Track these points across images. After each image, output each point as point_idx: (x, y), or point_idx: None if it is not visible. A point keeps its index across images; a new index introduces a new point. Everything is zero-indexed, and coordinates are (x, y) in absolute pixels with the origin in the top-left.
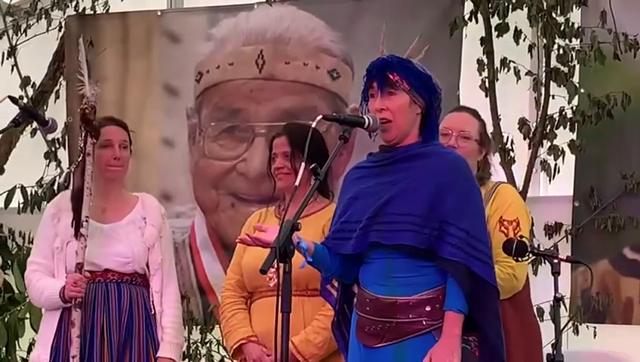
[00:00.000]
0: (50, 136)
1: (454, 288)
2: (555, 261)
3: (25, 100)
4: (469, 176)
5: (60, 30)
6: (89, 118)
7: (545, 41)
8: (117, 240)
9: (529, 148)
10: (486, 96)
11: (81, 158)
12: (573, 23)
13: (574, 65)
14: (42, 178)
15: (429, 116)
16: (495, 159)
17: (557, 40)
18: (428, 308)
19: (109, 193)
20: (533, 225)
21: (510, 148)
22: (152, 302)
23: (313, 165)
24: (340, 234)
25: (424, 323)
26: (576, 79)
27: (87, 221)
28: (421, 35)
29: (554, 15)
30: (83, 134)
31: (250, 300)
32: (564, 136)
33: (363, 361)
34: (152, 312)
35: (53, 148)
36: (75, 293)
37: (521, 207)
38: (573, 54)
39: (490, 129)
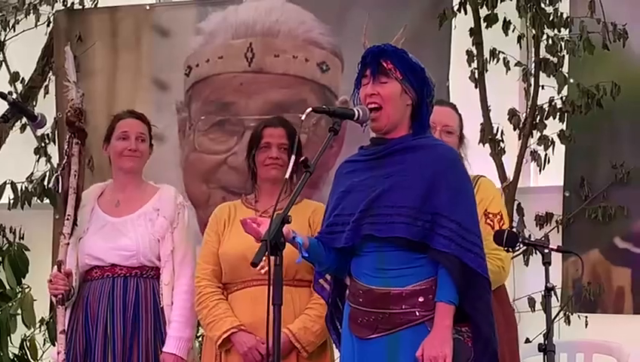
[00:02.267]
0: (39, 132)
1: (446, 279)
2: (546, 251)
3: (14, 96)
4: (461, 169)
5: (48, 25)
6: (72, 120)
7: (534, 31)
8: (123, 233)
9: (519, 139)
10: (476, 87)
11: (66, 160)
12: (562, 13)
13: (563, 55)
14: (32, 173)
15: (419, 109)
16: (485, 150)
17: (546, 30)
18: (421, 299)
19: (125, 186)
20: (512, 221)
21: (500, 138)
22: (161, 294)
23: (303, 158)
24: (334, 228)
25: (417, 313)
26: (565, 69)
27: (68, 220)
28: (405, 26)
29: (543, 5)
30: (67, 136)
31: (227, 291)
32: (553, 127)
33: (356, 353)
34: (161, 305)
35: (42, 144)
36: (53, 291)
37: (501, 201)
38: (563, 44)
39: (480, 120)
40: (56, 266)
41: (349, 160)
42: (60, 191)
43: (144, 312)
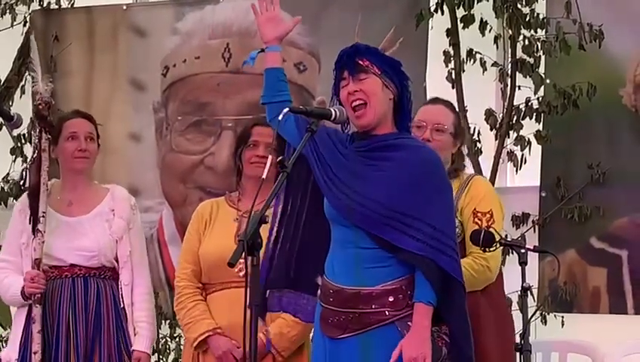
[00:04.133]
0: (15, 132)
1: (423, 281)
2: (523, 251)
3: None
4: (440, 172)
5: (24, 25)
6: (43, 114)
7: (510, 32)
8: (82, 233)
9: (496, 139)
10: (453, 87)
11: (36, 155)
12: (538, 14)
13: (540, 55)
14: (8, 174)
15: (401, 104)
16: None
17: (522, 31)
18: (391, 299)
19: (76, 186)
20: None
21: (477, 139)
22: (122, 295)
23: (280, 158)
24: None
25: (387, 313)
26: (541, 70)
27: (44, 216)
28: (395, 27)
29: (519, 6)
30: (37, 130)
31: (206, 292)
32: (530, 127)
33: (328, 353)
34: (122, 306)
35: (19, 144)
36: (32, 289)
37: (494, 199)
38: (539, 45)
39: None
40: (35, 265)
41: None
42: (27, 185)
43: (105, 312)
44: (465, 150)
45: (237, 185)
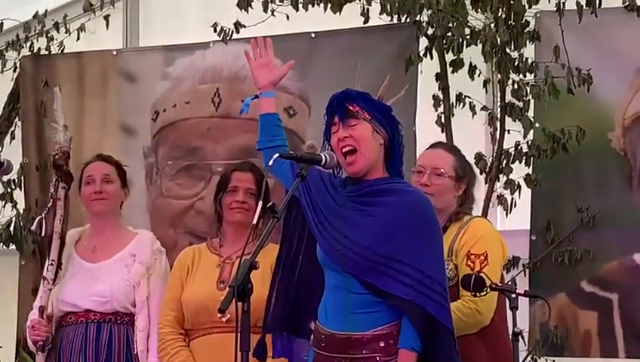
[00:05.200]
0: (5, 178)
1: (408, 326)
2: (513, 296)
3: None
4: (430, 217)
5: (14, 71)
6: (59, 164)
7: (499, 76)
8: (99, 279)
9: (485, 183)
10: (442, 131)
11: (51, 204)
12: (527, 58)
13: (529, 99)
14: None
15: (392, 149)
16: None
17: (511, 75)
18: (382, 344)
19: (102, 230)
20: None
21: None
22: (136, 341)
23: (270, 203)
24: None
25: (378, 359)
26: (531, 113)
27: (52, 265)
28: (390, 74)
29: (508, 50)
30: (54, 179)
31: (189, 338)
32: (520, 171)
33: None
34: (135, 352)
35: (9, 190)
36: (34, 337)
37: (491, 241)
38: (528, 89)
39: None
40: (37, 312)
41: (334, 176)
42: (42, 234)
43: (116, 358)
44: (478, 191)
45: (218, 231)
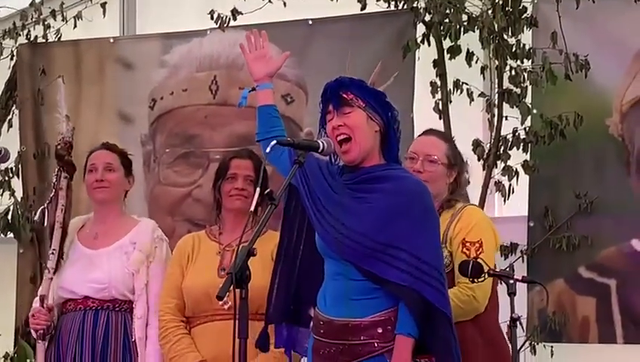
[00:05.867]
0: (3, 166)
1: (405, 312)
2: (511, 281)
3: None
4: (427, 202)
5: (12, 59)
6: (61, 154)
7: (497, 62)
8: (97, 266)
9: (483, 170)
10: (440, 118)
11: (53, 194)
12: (524, 45)
13: (526, 86)
14: None
15: (388, 136)
16: None
17: (509, 61)
18: (379, 330)
19: (105, 218)
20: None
21: None
22: (133, 328)
23: (268, 190)
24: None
25: (376, 345)
26: (528, 100)
27: (53, 254)
28: (382, 61)
29: (505, 37)
30: (56, 169)
31: (190, 325)
32: (517, 157)
33: None
34: (133, 339)
35: (6, 178)
36: (34, 326)
37: (485, 229)
38: (525, 75)
39: None
40: (38, 300)
41: (331, 167)
42: (45, 224)
43: (113, 346)
44: (467, 178)
45: (217, 218)
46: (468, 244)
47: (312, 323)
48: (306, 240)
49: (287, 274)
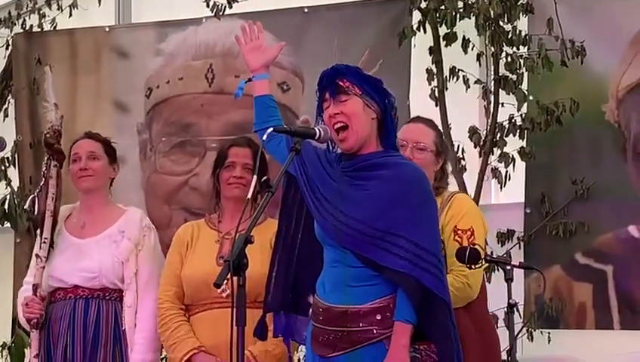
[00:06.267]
0: None
1: (403, 298)
2: (508, 268)
3: None
4: (425, 189)
5: (7, 48)
6: (50, 142)
7: (493, 49)
8: (87, 255)
9: (480, 157)
10: (436, 105)
11: (43, 182)
12: (520, 31)
13: (522, 72)
14: None
15: (385, 122)
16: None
17: (505, 48)
18: (378, 317)
19: (91, 207)
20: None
21: (461, 156)
22: (124, 317)
23: (265, 178)
24: (315, 200)
25: (375, 331)
26: (524, 86)
27: (45, 243)
28: (370, 48)
29: (501, 23)
30: (46, 158)
31: (189, 313)
32: (514, 144)
33: None
34: (123, 328)
35: (2, 167)
36: (28, 315)
37: (476, 216)
38: (521, 62)
39: None
40: (31, 289)
41: (329, 151)
42: (36, 213)
43: (104, 334)
44: (449, 167)
45: (216, 206)
46: (460, 232)
47: (311, 310)
48: (305, 228)
49: (286, 263)
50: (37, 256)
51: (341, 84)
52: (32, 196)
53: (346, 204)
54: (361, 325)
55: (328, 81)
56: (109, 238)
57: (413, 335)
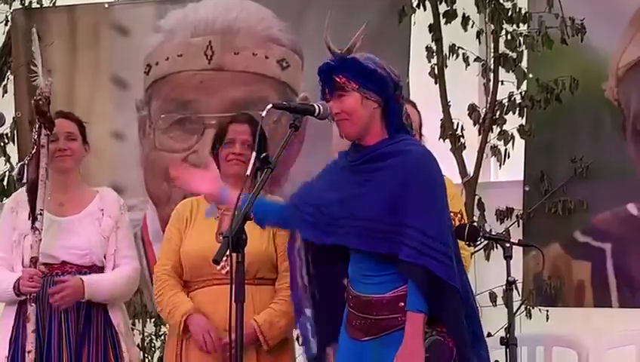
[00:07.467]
0: None
1: (413, 288)
2: (507, 245)
3: None
4: (433, 174)
5: (6, 24)
6: (43, 110)
7: (493, 26)
8: (74, 232)
9: (479, 134)
10: (435, 83)
11: (34, 150)
12: (520, 9)
13: (522, 50)
14: None
15: (388, 108)
16: (446, 145)
17: (505, 25)
18: (401, 304)
19: (66, 187)
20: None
21: (460, 134)
22: None
23: (264, 154)
24: (312, 215)
25: (399, 319)
26: (524, 64)
27: (41, 214)
28: (367, 23)
29: (501, 1)
30: (37, 126)
31: (188, 290)
32: (513, 122)
33: (351, 353)
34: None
35: (2, 143)
36: (29, 288)
37: (460, 200)
38: (521, 40)
39: (440, 115)
40: (31, 263)
41: (344, 152)
42: (23, 180)
43: (95, 309)
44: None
45: None
46: (451, 214)
47: (346, 294)
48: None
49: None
50: (35, 228)
51: (337, 80)
52: (20, 163)
53: (357, 207)
54: (385, 313)
55: (325, 78)
56: (90, 216)
57: (435, 320)
